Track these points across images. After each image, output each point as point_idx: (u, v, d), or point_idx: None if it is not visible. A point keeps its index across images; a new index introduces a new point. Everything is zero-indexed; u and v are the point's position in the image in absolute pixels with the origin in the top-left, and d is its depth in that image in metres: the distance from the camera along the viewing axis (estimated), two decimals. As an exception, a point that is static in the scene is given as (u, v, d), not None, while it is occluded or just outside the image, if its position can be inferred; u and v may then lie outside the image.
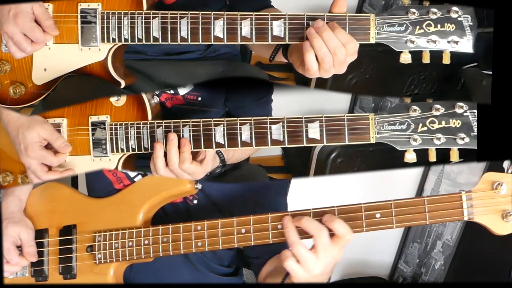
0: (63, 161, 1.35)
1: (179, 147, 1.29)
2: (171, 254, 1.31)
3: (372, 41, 1.23)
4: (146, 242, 1.32)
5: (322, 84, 1.89)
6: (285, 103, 1.77)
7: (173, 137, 1.29)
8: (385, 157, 1.90)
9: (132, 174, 1.44)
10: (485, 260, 1.85)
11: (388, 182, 1.96)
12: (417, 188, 2.07)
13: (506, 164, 1.62)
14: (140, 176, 1.43)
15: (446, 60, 1.23)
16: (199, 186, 1.39)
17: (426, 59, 1.23)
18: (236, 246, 1.28)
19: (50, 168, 1.35)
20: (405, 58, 1.23)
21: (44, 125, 1.35)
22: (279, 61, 1.39)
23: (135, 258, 1.34)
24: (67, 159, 1.36)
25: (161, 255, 1.32)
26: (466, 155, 1.25)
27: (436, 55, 1.23)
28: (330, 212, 1.20)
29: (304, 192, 1.82)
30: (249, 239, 1.25)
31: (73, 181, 1.63)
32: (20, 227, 1.40)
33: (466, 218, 1.16)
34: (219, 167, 1.44)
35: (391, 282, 2.15)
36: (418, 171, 2.05)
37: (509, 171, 1.60)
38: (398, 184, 2.05)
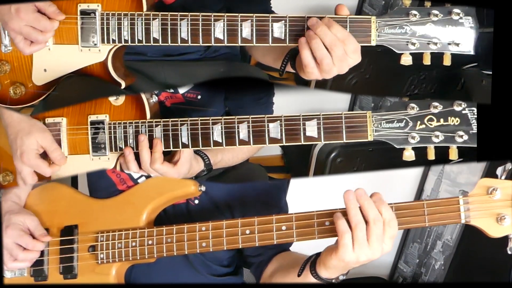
0: (55, 172, 1.35)
1: (151, 147, 1.30)
2: (175, 254, 1.32)
3: (373, 43, 1.23)
4: (150, 242, 1.33)
5: (322, 84, 1.89)
6: (285, 103, 1.77)
7: (143, 138, 1.30)
8: (385, 157, 1.89)
9: (135, 175, 1.44)
10: (485, 260, 1.85)
11: (388, 182, 1.95)
12: (417, 188, 2.06)
13: (499, 170, 1.64)
14: (143, 178, 1.44)
15: (447, 61, 1.23)
16: (203, 188, 1.40)
17: (427, 61, 1.23)
18: (240, 247, 1.28)
19: (39, 176, 1.35)
20: (406, 60, 1.23)
21: (44, 134, 1.35)
22: (286, 70, 1.39)
23: (138, 258, 1.34)
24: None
25: (165, 255, 1.32)
26: (466, 155, 1.25)
27: (436, 55, 1.23)
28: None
29: (303, 192, 1.81)
30: (253, 239, 1.26)
31: (73, 182, 1.63)
32: (23, 215, 1.40)
33: (463, 221, 1.18)
34: (203, 171, 1.43)
35: (391, 282, 2.15)
36: (418, 171, 2.04)
37: (503, 177, 1.62)
38: (398, 184, 2.04)
